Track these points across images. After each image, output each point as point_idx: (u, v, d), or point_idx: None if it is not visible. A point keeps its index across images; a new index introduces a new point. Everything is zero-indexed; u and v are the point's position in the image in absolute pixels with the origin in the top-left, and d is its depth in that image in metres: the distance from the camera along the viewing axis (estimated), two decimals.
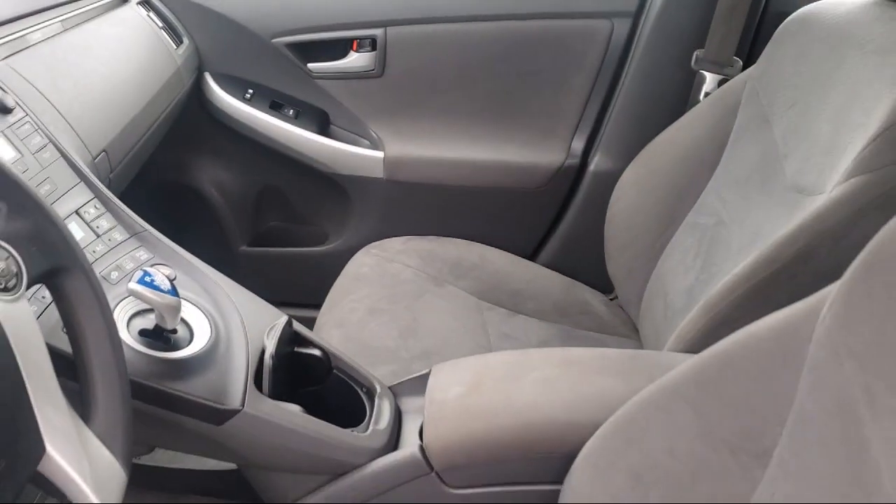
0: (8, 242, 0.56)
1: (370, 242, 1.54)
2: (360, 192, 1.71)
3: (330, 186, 1.73)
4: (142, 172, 1.39)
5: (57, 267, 0.60)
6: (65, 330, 0.74)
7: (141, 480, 1.08)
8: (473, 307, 1.40)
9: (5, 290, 0.54)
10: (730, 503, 0.66)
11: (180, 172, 1.75)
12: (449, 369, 0.94)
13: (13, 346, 0.53)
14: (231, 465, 1.05)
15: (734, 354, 0.68)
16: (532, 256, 1.70)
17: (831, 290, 0.61)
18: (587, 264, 1.57)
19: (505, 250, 1.59)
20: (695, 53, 1.48)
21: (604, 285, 1.52)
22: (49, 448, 0.55)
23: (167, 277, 0.80)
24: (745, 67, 1.39)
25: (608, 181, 1.48)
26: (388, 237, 1.56)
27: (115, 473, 0.60)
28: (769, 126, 1.18)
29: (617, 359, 0.92)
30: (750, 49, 1.49)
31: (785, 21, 1.22)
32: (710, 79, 1.46)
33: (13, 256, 0.56)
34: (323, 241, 1.79)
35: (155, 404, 0.79)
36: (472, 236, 1.60)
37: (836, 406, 0.58)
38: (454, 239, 1.58)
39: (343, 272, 1.46)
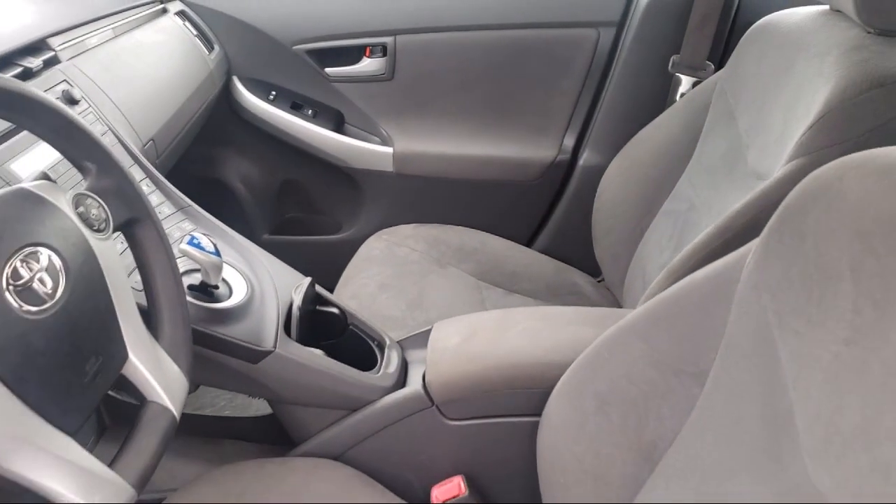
0: (98, 195, 0.70)
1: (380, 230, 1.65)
2: (372, 184, 1.82)
3: (344, 179, 1.84)
4: (176, 166, 1.51)
5: (133, 217, 0.74)
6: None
7: (183, 427, 1.21)
8: (473, 286, 1.52)
9: (98, 230, 0.69)
10: (675, 419, 0.80)
11: (210, 167, 1.87)
12: (448, 325, 1.08)
13: (104, 273, 0.67)
14: (263, 412, 1.19)
15: (679, 296, 0.81)
16: (528, 243, 1.80)
17: (755, 242, 0.74)
18: (577, 250, 1.67)
19: (503, 237, 1.69)
20: (672, 58, 1.59)
21: (593, 269, 1.62)
22: (131, 355, 0.69)
23: (211, 241, 0.94)
24: (717, 70, 1.50)
25: (596, 174, 1.58)
26: (397, 225, 1.67)
27: (180, 381, 0.74)
28: (735, 121, 1.29)
29: (589, 314, 1.05)
30: (723, 54, 1.60)
31: (749, 29, 1.34)
32: (685, 81, 1.56)
33: (102, 206, 0.70)
34: (337, 230, 1.90)
35: (202, 345, 0.92)
36: (474, 224, 1.70)
37: (755, 331, 0.71)
38: (457, 226, 1.69)
39: (356, 254, 1.57)
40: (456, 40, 1.73)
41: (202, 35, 1.68)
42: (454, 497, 0.97)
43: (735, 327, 0.74)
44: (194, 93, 1.49)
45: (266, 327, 0.97)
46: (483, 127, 1.79)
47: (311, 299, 1.06)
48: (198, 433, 1.21)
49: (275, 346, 0.95)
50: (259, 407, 1.26)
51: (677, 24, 1.57)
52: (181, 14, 1.64)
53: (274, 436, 1.14)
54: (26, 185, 0.65)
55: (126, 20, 1.39)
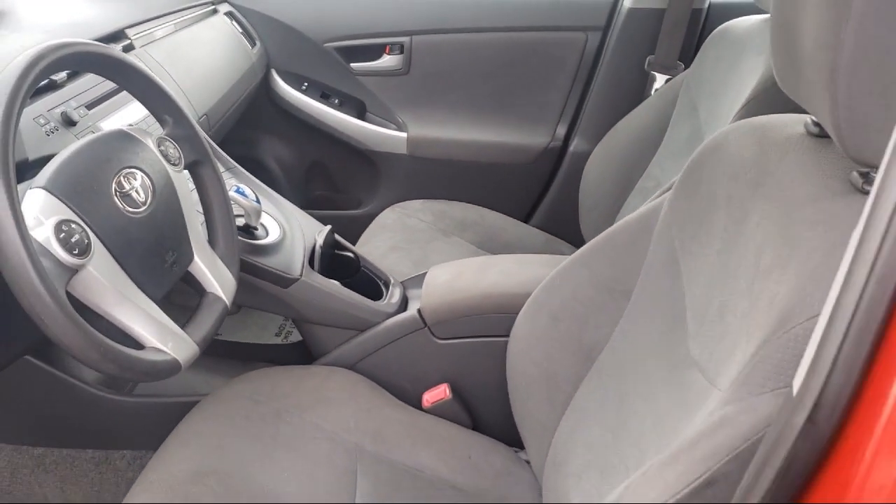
0: (174, 140, 0.93)
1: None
2: (388, 164, 2.02)
3: (364, 160, 2.04)
4: (220, 145, 1.72)
5: (199, 160, 0.97)
6: None
7: (222, 351, 1.42)
8: (472, 253, 1.70)
9: (174, 165, 0.91)
10: (608, 327, 0.99)
11: (248, 147, 2.07)
12: (440, 268, 1.29)
13: (178, 195, 0.90)
14: (290, 340, 1.40)
15: (615, 233, 1.01)
16: (525, 219, 1.99)
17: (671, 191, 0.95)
18: (568, 224, 1.84)
19: (502, 213, 1.89)
20: (648, 59, 1.78)
21: (581, 242, 1.80)
22: (196, 257, 0.91)
23: (252, 192, 1.16)
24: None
25: (584, 159, 1.77)
26: (409, 200, 1.87)
27: (230, 280, 0.96)
28: (696, 112, 1.48)
29: (553, 259, 1.26)
30: (694, 56, 1.78)
31: (710, 34, 1.53)
32: (659, 78, 1.75)
33: (177, 148, 0.93)
34: (357, 206, 2.11)
35: (244, 272, 1.14)
36: (476, 201, 1.90)
37: (666, 256, 0.92)
38: (461, 202, 1.88)
39: (372, 223, 1.78)
40: (463, 41, 1.92)
41: (246, 33, 1.90)
42: (440, 399, 1.18)
43: (652, 255, 0.95)
44: (239, 81, 1.72)
45: (294, 260, 1.19)
46: (486, 116, 1.98)
47: (331, 243, 1.28)
48: (234, 357, 1.42)
49: (301, 275, 1.17)
50: None
51: (653, 29, 1.77)
52: (229, 14, 1.87)
53: (297, 360, 1.35)
54: (124, 128, 0.88)
55: (184, 17, 1.62)
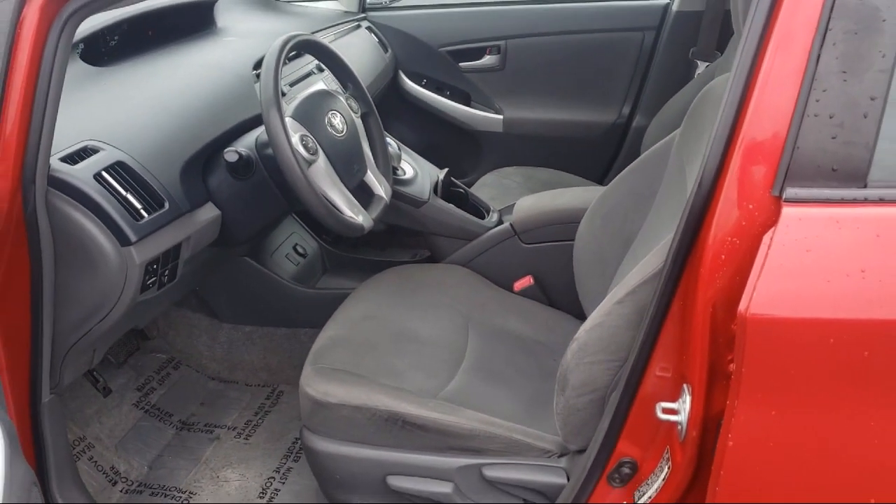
0: (354, 98, 1.39)
1: None
2: (488, 141, 2.46)
3: (468, 138, 2.48)
4: None
5: (367, 112, 1.43)
6: None
7: (372, 267, 1.87)
8: None
9: (355, 112, 1.37)
10: (640, 220, 1.38)
11: None
12: (526, 197, 1.70)
13: (358, 130, 1.35)
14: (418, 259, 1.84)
15: (644, 158, 1.40)
16: (599, 181, 2.33)
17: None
18: None
19: (580, 176, 2.26)
20: (691, 50, 2.14)
21: None
22: (368, 171, 1.37)
23: (394, 142, 1.61)
24: None
25: (644, 131, 2.12)
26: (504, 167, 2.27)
27: (388, 189, 1.42)
28: None
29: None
30: None
31: None
32: (700, 65, 2.10)
33: (356, 102, 1.39)
34: (463, 176, 2.52)
35: (392, 197, 1.58)
36: (558, 167, 2.26)
37: (676, 166, 1.30)
38: (545, 168, 2.26)
39: (476, 183, 2.20)
40: (547, 42, 2.33)
41: (381, 42, 2.37)
42: (526, 285, 1.60)
43: (669, 167, 1.34)
44: (376, 78, 2.18)
45: (424, 189, 1.63)
46: (565, 100, 2.37)
47: (449, 181, 1.72)
48: (362, 269, 1.86)
49: (429, 199, 1.61)
50: None
51: (695, 27, 2.14)
52: (368, 28, 2.35)
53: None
54: (327, 88, 1.34)
55: (339, 30, 2.11)
